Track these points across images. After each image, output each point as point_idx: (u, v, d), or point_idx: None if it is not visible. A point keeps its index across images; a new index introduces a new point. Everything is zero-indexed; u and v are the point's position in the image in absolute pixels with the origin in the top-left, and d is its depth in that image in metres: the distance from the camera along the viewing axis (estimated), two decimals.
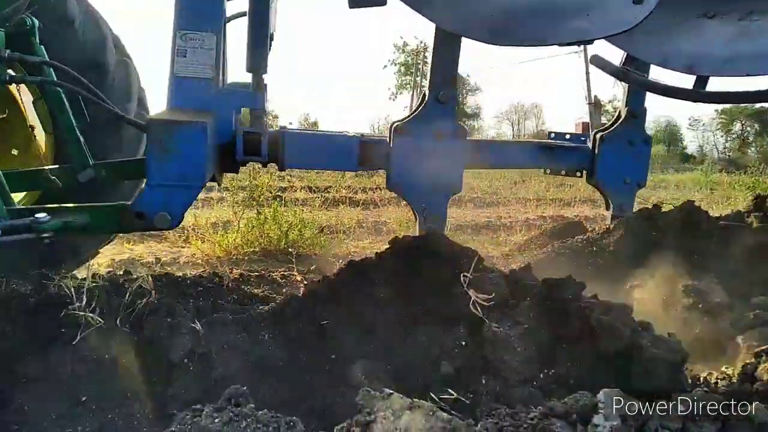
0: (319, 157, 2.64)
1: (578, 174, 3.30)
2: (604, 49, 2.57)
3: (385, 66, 61.35)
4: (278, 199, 6.45)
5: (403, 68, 50.89)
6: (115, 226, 2.49)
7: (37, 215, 2.16)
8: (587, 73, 27.05)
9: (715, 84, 2.49)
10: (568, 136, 3.38)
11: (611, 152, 3.13)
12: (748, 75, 2.41)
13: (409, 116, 2.62)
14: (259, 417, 1.32)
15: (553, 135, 3.40)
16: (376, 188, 11.09)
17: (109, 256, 4.73)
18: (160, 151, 2.08)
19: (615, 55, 2.78)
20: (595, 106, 23.25)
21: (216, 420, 1.31)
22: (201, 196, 5.34)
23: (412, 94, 44.72)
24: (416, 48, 46.25)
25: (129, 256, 4.94)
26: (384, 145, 2.62)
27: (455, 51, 2.57)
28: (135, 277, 2.42)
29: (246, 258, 5.05)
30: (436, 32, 2.53)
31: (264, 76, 2.38)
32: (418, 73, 44.83)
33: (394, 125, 2.59)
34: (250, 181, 6.42)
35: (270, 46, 2.53)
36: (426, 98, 2.60)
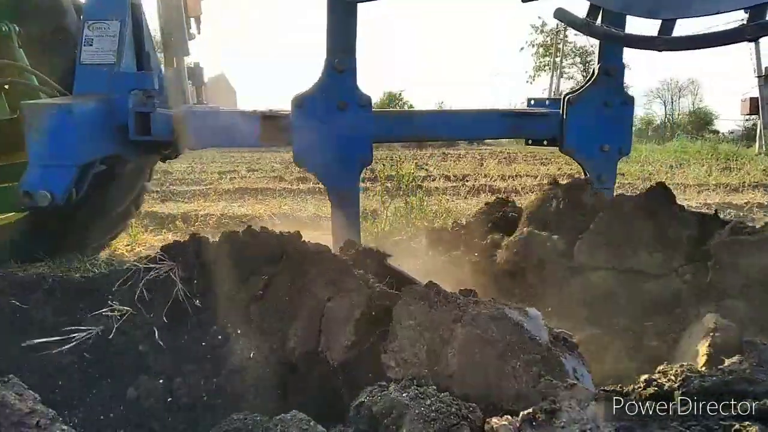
0: (222, 136, 2.63)
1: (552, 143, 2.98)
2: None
3: (522, 48, 60.15)
4: (421, 189, 6.47)
5: (541, 49, 47.04)
6: (12, 206, 2.80)
7: None
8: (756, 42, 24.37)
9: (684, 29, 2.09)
10: (547, 102, 3.08)
11: (581, 116, 2.76)
12: (718, 12, 1.99)
13: (306, 90, 2.52)
14: (441, 398, 1.43)
15: (532, 102, 3.12)
16: (515, 176, 10.91)
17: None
18: (34, 134, 2.25)
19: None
20: (766, 78, 19.23)
21: (404, 395, 1.43)
22: None
23: (551, 75, 42.17)
24: (556, 27, 42.59)
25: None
26: (286, 120, 2.54)
27: (352, 19, 2.42)
28: None
29: None
30: (332, 3, 2.40)
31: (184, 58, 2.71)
32: (558, 54, 42.14)
33: (294, 98, 2.49)
34: (397, 171, 6.45)
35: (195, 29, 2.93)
36: (324, 67, 2.48)
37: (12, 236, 3.54)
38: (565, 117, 2.78)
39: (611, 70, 2.74)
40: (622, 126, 2.79)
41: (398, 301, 1.69)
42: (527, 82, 48.53)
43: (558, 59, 42.28)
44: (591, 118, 2.75)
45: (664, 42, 2.09)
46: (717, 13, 1.96)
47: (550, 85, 41.83)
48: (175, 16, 3.09)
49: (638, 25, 2.28)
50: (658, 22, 2.08)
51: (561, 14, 2.33)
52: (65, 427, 1.47)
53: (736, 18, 2.00)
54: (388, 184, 6.08)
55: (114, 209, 3.77)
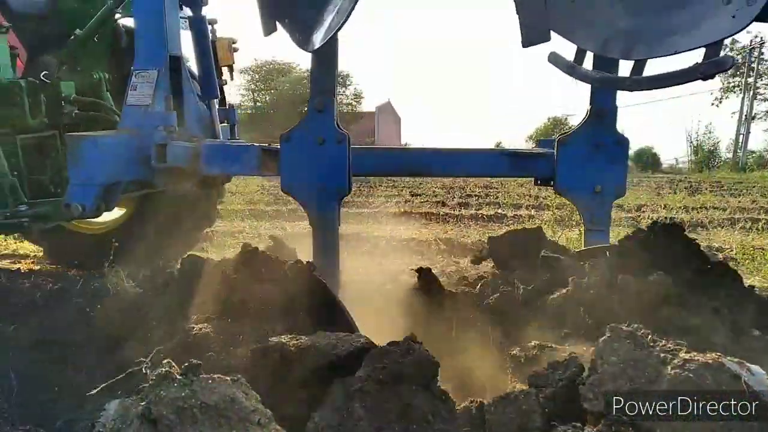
0: (227, 165, 3.00)
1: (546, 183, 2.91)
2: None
3: None
4: None
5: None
6: (59, 216, 3.25)
7: (19, 206, 3.15)
8: None
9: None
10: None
11: (572, 156, 2.71)
12: (676, 53, 1.98)
13: (294, 126, 2.74)
14: None
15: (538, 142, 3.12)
16: (700, 208, 10.17)
17: None
18: (71, 159, 2.84)
19: None
20: None
21: None
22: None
23: (743, 97, 36.99)
24: (749, 44, 37.52)
25: None
26: (278, 153, 2.78)
27: (331, 66, 2.62)
28: None
29: None
30: (314, 53, 2.56)
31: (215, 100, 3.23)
32: (750, 73, 36.96)
33: (282, 133, 2.74)
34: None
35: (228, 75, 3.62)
36: (308, 108, 2.69)
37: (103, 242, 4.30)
38: (556, 157, 2.76)
39: (603, 111, 2.70)
40: (615, 167, 2.72)
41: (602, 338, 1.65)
42: (712, 104, 43.79)
43: (751, 79, 37.41)
44: (582, 159, 2.72)
45: (632, 82, 2.17)
46: (677, 53, 2.00)
47: (741, 108, 37.14)
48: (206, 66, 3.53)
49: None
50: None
51: (554, 58, 2.44)
52: (278, 427, 1.62)
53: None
54: (559, 213, 5.93)
55: (186, 225, 4.43)
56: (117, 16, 3.79)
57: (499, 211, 9.80)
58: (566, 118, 37.62)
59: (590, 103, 2.73)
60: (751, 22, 1.84)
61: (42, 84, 3.47)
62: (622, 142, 2.73)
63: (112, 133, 3.04)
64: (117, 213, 4.64)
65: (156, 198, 4.28)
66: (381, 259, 5.84)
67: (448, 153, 3.14)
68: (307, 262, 2.37)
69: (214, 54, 3.64)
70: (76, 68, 3.80)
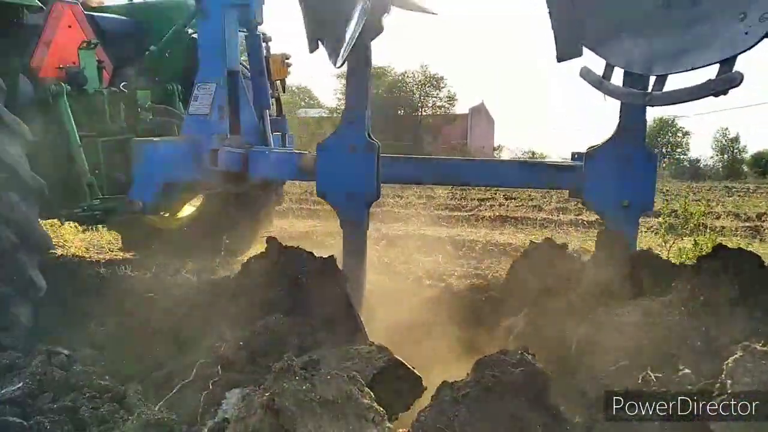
0: (270, 169, 3.26)
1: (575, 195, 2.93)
2: None
3: None
4: (705, 228, 6.18)
5: None
6: (125, 210, 3.49)
7: (93, 200, 3.55)
8: None
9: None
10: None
11: (600, 170, 2.68)
12: (693, 68, 2.06)
13: (329, 136, 2.95)
14: None
15: (575, 156, 3.00)
16: None
17: None
18: (135, 160, 3.20)
19: None
20: None
21: None
22: None
23: None
24: None
25: None
26: (314, 160, 2.96)
27: (361, 80, 2.79)
28: None
29: None
30: (349, 67, 2.76)
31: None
32: None
33: (319, 142, 2.93)
34: (684, 207, 6.40)
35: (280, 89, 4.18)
36: (341, 118, 2.89)
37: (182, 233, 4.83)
38: (584, 171, 2.74)
39: (631, 125, 2.63)
40: (642, 182, 2.65)
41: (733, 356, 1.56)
42: None
43: None
44: (610, 173, 2.68)
45: (651, 98, 2.24)
46: (694, 68, 2.06)
47: None
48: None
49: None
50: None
51: (585, 72, 2.48)
52: (390, 426, 1.66)
53: None
54: (672, 221, 5.59)
55: (246, 224, 4.83)
56: (190, 32, 4.11)
57: None
58: (674, 120, 35.34)
59: (619, 118, 2.68)
60: (763, 39, 1.90)
61: (122, 93, 3.90)
62: (651, 157, 2.67)
63: (172, 139, 3.47)
64: (187, 210, 5.06)
65: (219, 198, 4.64)
66: (477, 264, 5.81)
67: (482, 163, 3.31)
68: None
69: (267, 69, 3.86)
70: (153, 79, 4.21)
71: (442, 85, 36.92)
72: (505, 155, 38.77)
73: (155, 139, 3.37)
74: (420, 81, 36.26)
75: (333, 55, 2.60)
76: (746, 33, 1.93)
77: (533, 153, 25.74)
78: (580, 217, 9.46)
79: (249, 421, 1.56)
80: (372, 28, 2.65)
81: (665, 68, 2.23)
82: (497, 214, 9.94)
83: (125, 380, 2.23)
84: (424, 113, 36.66)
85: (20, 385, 2.05)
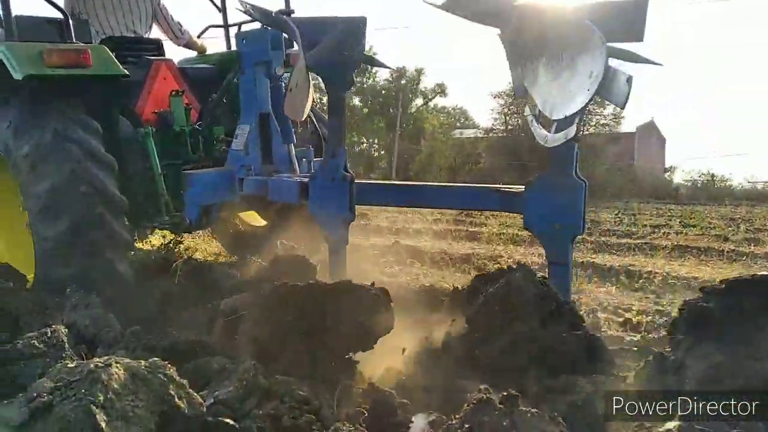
0: (279, 193, 3.94)
1: None
2: None
3: None
4: None
5: None
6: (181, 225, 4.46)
7: (167, 216, 4.35)
8: None
9: None
10: None
11: (535, 198, 2.99)
12: (565, 117, 2.51)
13: (317, 168, 3.67)
14: None
15: None
16: None
17: None
18: (186, 187, 4.14)
19: None
20: None
21: None
22: None
23: None
24: None
25: None
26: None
27: (339, 122, 3.41)
28: None
29: None
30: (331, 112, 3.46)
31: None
32: None
33: (311, 172, 3.94)
34: None
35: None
36: (324, 152, 3.58)
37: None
38: (524, 198, 3.03)
39: (561, 158, 2.87)
40: (571, 208, 2.88)
41: None
42: None
43: None
44: (544, 200, 2.93)
45: (547, 139, 2.73)
46: (566, 117, 2.48)
47: None
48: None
49: None
50: None
51: (526, 113, 3.11)
52: None
53: None
54: None
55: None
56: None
57: None
58: None
59: (549, 152, 2.90)
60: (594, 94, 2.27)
61: (200, 129, 4.71)
62: (578, 186, 2.87)
63: (211, 170, 4.40)
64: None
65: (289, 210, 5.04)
66: (657, 299, 5.33)
67: (442, 188, 4.16)
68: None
69: None
70: (232, 116, 4.84)
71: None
72: (677, 178, 35.60)
73: (200, 171, 4.31)
74: None
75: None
76: (588, 90, 2.25)
77: (713, 176, 23.10)
78: None
79: None
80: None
81: (555, 114, 2.57)
82: (675, 243, 9.07)
83: (317, 393, 2.36)
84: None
85: (230, 388, 2.26)
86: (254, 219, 5.93)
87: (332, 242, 3.45)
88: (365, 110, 33.44)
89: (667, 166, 42.01)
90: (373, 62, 3.35)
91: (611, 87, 2.36)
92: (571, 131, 2.54)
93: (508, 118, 33.86)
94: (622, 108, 2.63)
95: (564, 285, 2.88)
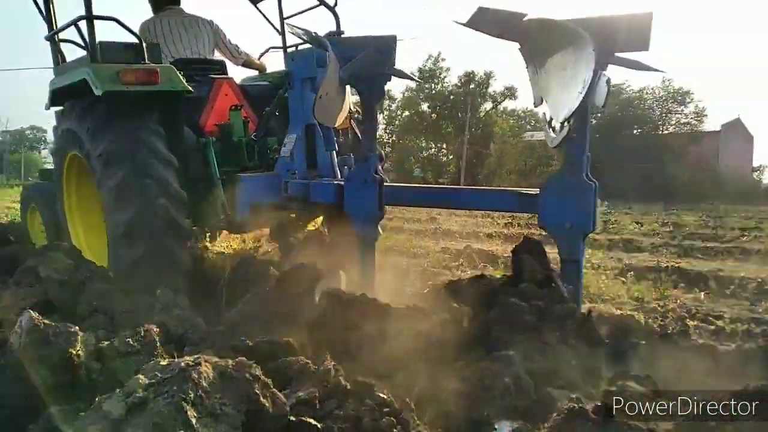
0: (322, 195, 4.28)
1: None
2: None
3: None
4: None
5: None
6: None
7: (222, 215, 4.70)
8: None
9: None
10: None
11: (549, 198, 3.15)
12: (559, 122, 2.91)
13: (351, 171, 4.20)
14: None
15: None
16: None
17: None
18: (236, 189, 4.62)
19: None
20: None
21: None
22: None
23: None
24: None
25: None
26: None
27: (371, 129, 3.85)
28: None
29: None
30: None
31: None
32: None
33: (346, 175, 4.36)
34: None
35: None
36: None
37: None
38: (539, 199, 3.19)
39: (574, 160, 3.02)
40: (582, 208, 3.02)
41: None
42: None
43: None
44: (556, 201, 3.08)
45: (552, 140, 3.10)
46: (561, 122, 2.98)
47: None
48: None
49: None
50: None
51: (543, 120, 3.23)
52: None
53: None
54: None
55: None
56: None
57: None
58: None
59: (564, 155, 3.10)
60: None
61: (255, 140, 5.11)
62: (589, 187, 3.01)
63: (262, 174, 4.88)
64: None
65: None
66: (752, 306, 4.97)
67: (466, 191, 4.39)
68: None
69: None
70: (281, 128, 5.19)
71: (688, 100, 33.12)
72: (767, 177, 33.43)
73: (249, 174, 4.79)
74: (661, 96, 33.01)
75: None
76: (580, 93, 2.53)
77: None
78: None
79: None
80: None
81: (558, 118, 2.86)
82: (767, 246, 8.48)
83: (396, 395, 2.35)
84: (665, 131, 33.29)
85: (311, 389, 2.29)
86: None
87: (363, 237, 3.80)
88: (433, 116, 33.33)
89: (755, 165, 39.47)
90: (402, 75, 3.74)
91: (595, 89, 2.64)
92: (564, 132, 2.81)
93: None
94: (603, 107, 2.73)
95: (575, 281, 3.10)
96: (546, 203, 3.13)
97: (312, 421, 2.10)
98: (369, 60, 3.43)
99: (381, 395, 2.20)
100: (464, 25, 2.88)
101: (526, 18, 2.85)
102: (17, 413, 2.31)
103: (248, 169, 5.00)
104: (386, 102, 37.59)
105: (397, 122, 37.06)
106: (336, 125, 4.33)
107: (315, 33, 3.89)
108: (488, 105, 33.85)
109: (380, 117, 38.36)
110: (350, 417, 2.14)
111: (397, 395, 2.33)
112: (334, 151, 4.69)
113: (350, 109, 5.14)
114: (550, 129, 3.12)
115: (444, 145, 35.11)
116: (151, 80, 4.19)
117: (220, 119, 5.11)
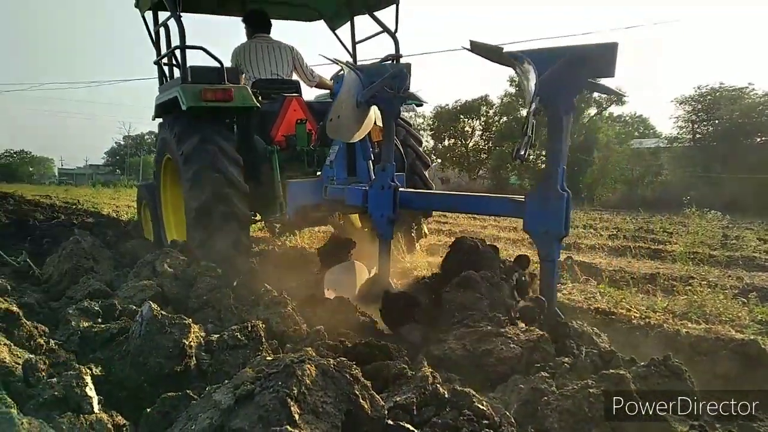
0: (354, 199, 4.66)
1: None
2: None
3: None
4: None
5: None
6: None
7: (280, 213, 5.55)
8: None
9: None
10: None
11: (531, 206, 3.41)
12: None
13: (372, 180, 4.59)
14: None
15: None
16: None
17: None
18: (287, 192, 5.35)
19: None
20: None
21: None
22: None
23: None
24: None
25: None
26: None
27: (389, 142, 4.34)
28: None
29: None
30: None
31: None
32: None
33: (369, 183, 4.66)
34: None
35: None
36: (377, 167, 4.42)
37: None
38: (524, 206, 3.48)
39: (550, 172, 3.29)
40: (556, 216, 3.27)
41: None
42: None
43: None
44: (536, 208, 3.38)
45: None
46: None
47: None
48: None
49: None
50: None
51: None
52: None
53: None
54: None
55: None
56: None
57: None
58: None
59: (544, 167, 3.39)
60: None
61: (315, 150, 5.77)
62: (562, 197, 3.24)
63: (309, 179, 5.53)
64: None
65: None
66: None
67: (467, 197, 4.70)
68: None
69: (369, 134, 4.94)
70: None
71: None
72: None
73: (299, 180, 5.48)
74: None
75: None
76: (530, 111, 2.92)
77: None
78: None
79: None
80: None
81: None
82: None
83: (494, 407, 2.29)
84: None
85: (409, 394, 2.28)
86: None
87: (380, 236, 4.38)
88: None
89: None
90: (414, 98, 4.41)
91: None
92: (524, 141, 2.93)
93: (696, 126, 30.60)
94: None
95: (550, 279, 3.41)
96: (529, 210, 3.41)
97: (409, 426, 2.09)
98: (387, 84, 4.04)
99: (479, 407, 2.14)
100: (469, 51, 3.25)
101: (504, 50, 3.16)
102: (136, 395, 2.49)
103: (307, 175, 5.75)
104: (483, 108, 37.19)
105: (494, 128, 36.50)
106: (354, 140, 4.71)
107: (384, 57, 5.17)
108: (592, 110, 32.46)
109: (476, 123, 37.94)
110: (448, 426, 2.11)
111: (495, 408, 2.27)
112: (371, 161, 5.13)
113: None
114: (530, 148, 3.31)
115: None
116: (226, 98, 5.12)
117: (287, 131, 5.85)
